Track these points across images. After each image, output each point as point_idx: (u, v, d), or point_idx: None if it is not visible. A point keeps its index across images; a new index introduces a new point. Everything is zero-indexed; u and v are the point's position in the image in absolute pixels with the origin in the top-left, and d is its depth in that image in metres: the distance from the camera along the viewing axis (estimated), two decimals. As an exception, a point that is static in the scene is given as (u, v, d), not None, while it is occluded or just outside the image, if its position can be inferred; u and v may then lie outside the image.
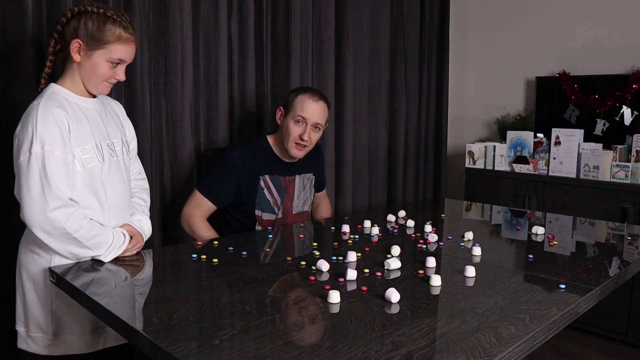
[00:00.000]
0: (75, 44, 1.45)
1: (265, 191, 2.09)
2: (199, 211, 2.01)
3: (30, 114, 1.40)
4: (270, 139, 2.14)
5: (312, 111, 2.02)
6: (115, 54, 1.47)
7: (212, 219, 2.09)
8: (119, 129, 1.65)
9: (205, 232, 1.99)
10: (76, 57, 1.46)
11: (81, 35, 1.44)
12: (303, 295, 1.26)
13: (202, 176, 2.26)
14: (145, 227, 1.67)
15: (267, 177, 2.09)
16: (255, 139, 2.17)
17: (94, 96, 1.57)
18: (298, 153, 2.06)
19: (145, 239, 1.65)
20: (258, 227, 2.12)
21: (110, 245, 1.48)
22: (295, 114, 2.02)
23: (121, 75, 1.52)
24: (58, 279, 1.38)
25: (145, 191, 1.78)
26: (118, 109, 1.71)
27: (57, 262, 1.47)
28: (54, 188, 1.37)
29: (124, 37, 1.47)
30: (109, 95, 1.62)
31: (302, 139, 2.02)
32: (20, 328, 1.54)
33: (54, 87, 1.49)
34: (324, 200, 2.45)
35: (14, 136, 1.42)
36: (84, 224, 1.43)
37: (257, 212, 2.10)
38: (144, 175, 1.80)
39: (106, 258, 1.48)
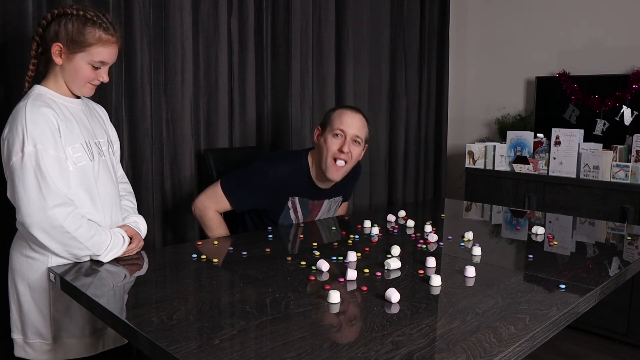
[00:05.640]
0: (56, 47, 1.44)
1: (291, 211, 2.05)
2: (215, 205, 1.97)
3: (18, 115, 1.39)
4: (310, 159, 2.02)
5: (350, 123, 1.93)
6: (97, 57, 1.46)
7: (229, 217, 2.07)
8: (104, 130, 1.66)
9: (216, 227, 1.95)
10: (58, 60, 1.45)
11: (61, 38, 1.43)
12: (303, 295, 1.26)
13: (229, 172, 2.08)
14: (142, 229, 1.68)
15: (296, 199, 2.03)
16: (297, 158, 2.03)
17: (78, 97, 1.57)
18: (336, 174, 1.94)
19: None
20: None
21: (109, 245, 1.48)
22: (333, 127, 1.93)
23: (104, 77, 1.51)
24: (57, 279, 1.38)
25: (131, 194, 1.79)
26: (102, 112, 1.71)
27: (54, 264, 1.46)
28: (51, 186, 1.37)
29: (105, 39, 1.45)
30: (95, 97, 1.62)
31: (342, 152, 1.91)
32: (16, 336, 1.52)
33: (39, 89, 1.48)
34: (344, 204, 2.40)
35: (2, 139, 1.41)
36: (83, 223, 1.42)
37: None
38: (126, 179, 1.82)
39: (105, 258, 1.48)
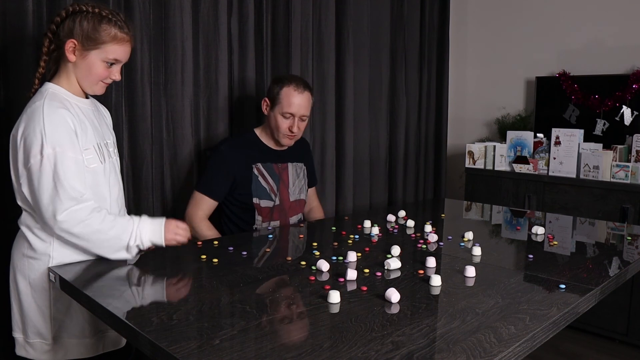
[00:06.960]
0: (70, 44, 1.43)
1: (260, 179, 2.13)
2: (199, 210, 2.06)
3: (35, 115, 1.38)
4: (257, 131, 2.20)
5: (299, 105, 2.07)
6: (111, 54, 1.46)
7: (212, 217, 2.10)
8: (110, 132, 1.66)
9: (206, 230, 2.03)
10: (71, 57, 1.45)
11: (76, 35, 1.43)
12: (303, 295, 1.26)
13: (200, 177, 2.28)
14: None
15: (259, 164, 2.14)
16: (244, 133, 2.23)
17: (87, 97, 1.57)
18: (289, 142, 2.15)
19: None
20: (258, 217, 2.13)
21: (136, 227, 1.47)
22: (282, 109, 2.07)
23: (117, 75, 1.52)
24: (57, 279, 1.38)
25: None
26: (107, 113, 1.71)
27: (55, 264, 1.46)
28: (67, 189, 1.37)
29: (120, 37, 1.46)
30: (105, 95, 1.61)
31: (291, 132, 2.09)
32: (17, 335, 1.52)
33: (52, 87, 1.47)
34: (315, 201, 2.47)
35: (18, 138, 1.39)
36: (103, 214, 1.43)
37: (255, 200, 2.12)
38: None
39: (143, 238, 1.47)
